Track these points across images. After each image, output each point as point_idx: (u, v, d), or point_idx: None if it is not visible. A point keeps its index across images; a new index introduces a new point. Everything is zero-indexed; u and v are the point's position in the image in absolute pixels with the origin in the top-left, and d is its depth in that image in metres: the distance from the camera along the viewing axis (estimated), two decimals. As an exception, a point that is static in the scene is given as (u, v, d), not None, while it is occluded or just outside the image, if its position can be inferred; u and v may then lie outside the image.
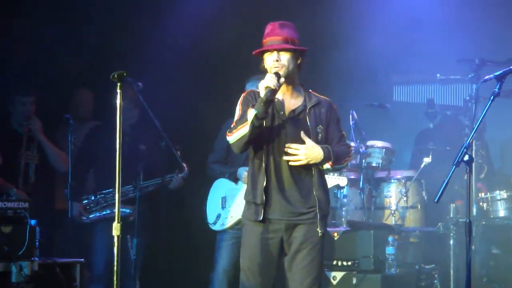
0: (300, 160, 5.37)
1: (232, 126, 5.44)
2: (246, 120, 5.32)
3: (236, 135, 5.39)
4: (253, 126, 5.31)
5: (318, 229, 5.43)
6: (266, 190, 5.41)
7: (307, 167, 5.42)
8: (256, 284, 5.45)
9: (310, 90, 5.57)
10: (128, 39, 8.56)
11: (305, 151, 5.35)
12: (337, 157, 5.44)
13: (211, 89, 8.75)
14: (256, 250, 5.44)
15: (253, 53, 5.51)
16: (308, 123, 5.44)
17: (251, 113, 5.30)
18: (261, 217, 5.41)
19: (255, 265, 5.45)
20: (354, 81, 8.75)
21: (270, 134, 5.42)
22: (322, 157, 5.36)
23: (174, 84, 8.53)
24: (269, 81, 5.29)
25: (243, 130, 5.34)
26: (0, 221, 5.75)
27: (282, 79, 5.36)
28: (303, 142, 5.39)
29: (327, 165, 5.42)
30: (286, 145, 5.39)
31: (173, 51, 8.47)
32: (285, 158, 5.39)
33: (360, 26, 8.91)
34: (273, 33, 5.44)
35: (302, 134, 5.38)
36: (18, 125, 7.48)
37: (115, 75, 5.28)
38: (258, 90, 5.40)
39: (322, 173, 5.52)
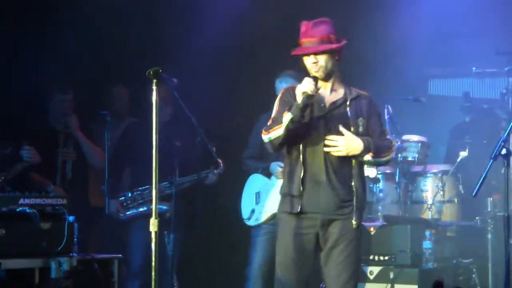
0: (339, 151, 5.35)
1: (268, 124, 5.44)
2: (281, 123, 5.32)
3: (271, 135, 5.39)
4: (287, 129, 5.31)
5: (353, 221, 5.42)
6: (303, 181, 5.40)
7: (347, 160, 5.41)
8: (291, 279, 5.45)
9: (352, 87, 5.56)
10: (162, 36, 8.59)
11: (344, 142, 5.33)
12: (378, 150, 5.41)
13: (244, 85, 8.74)
14: (291, 245, 5.44)
15: (292, 54, 5.48)
16: (349, 115, 5.43)
17: (287, 116, 5.29)
18: (298, 209, 5.40)
19: (290, 260, 5.45)
20: (388, 75, 8.70)
21: (309, 126, 5.41)
22: (362, 148, 5.34)
23: (208, 80, 8.56)
24: (306, 86, 5.28)
25: (278, 131, 5.35)
26: (39, 217, 5.78)
27: (320, 84, 5.35)
28: (342, 135, 5.38)
29: (368, 157, 5.38)
30: (326, 137, 5.38)
31: (206, 48, 8.47)
32: (326, 149, 5.37)
33: (395, 19, 8.86)
34: (308, 34, 5.42)
35: (341, 128, 5.36)
36: (55, 122, 7.53)
37: (151, 72, 5.32)
38: (297, 85, 5.40)
39: (361, 166, 5.50)
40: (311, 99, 5.32)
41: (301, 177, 5.41)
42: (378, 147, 5.42)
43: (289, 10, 8.19)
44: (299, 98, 5.27)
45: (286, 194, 5.50)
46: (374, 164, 5.73)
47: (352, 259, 5.43)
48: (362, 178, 5.54)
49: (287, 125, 5.29)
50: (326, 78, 5.45)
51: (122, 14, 8.36)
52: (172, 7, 8.69)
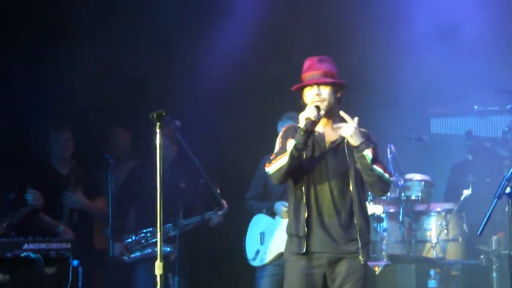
0: (346, 130, 5.37)
1: (271, 157, 5.47)
2: (285, 151, 5.34)
3: (275, 165, 5.40)
4: (292, 156, 5.33)
5: (360, 258, 5.41)
6: (308, 222, 5.41)
7: (348, 196, 5.42)
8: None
9: None
10: (163, 76, 8.62)
11: (355, 125, 5.36)
12: (377, 156, 5.41)
13: (247, 126, 8.77)
14: (299, 285, 5.42)
15: (293, 88, 5.53)
16: (347, 152, 5.45)
17: (291, 143, 5.32)
18: (304, 249, 5.40)
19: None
20: (390, 115, 8.73)
21: (310, 166, 5.43)
22: (361, 140, 5.34)
23: (211, 121, 8.58)
24: (310, 112, 5.33)
25: (282, 160, 5.36)
26: (44, 262, 5.78)
27: (322, 112, 5.39)
28: (343, 175, 5.39)
29: (368, 152, 5.32)
30: (341, 113, 5.41)
31: (209, 90, 8.52)
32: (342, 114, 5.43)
33: (394, 59, 8.90)
34: (313, 68, 5.49)
35: (344, 115, 5.40)
36: (58, 165, 7.53)
37: (154, 115, 5.33)
38: (298, 124, 5.42)
39: (363, 202, 5.49)
40: (314, 126, 5.36)
41: (306, 217, 5.42)
42: (377, 156, 5.43)
43: (294, 52, 8.24)
44: (302, 124, 5.32)
45: (292, 235, 5.50)
46: (370, 171, 5.51)
47: (360, 299, 5.42)
48: (365, 214, 5.53)
49: (291, 151, 5.31)
50: (327, 115, 5.48)
51: (123, 53, 8.40)
52: (176, 48, 8.74)
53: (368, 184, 5.55)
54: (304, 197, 5.44)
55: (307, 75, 5.50)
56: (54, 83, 7.98)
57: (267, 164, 5.48)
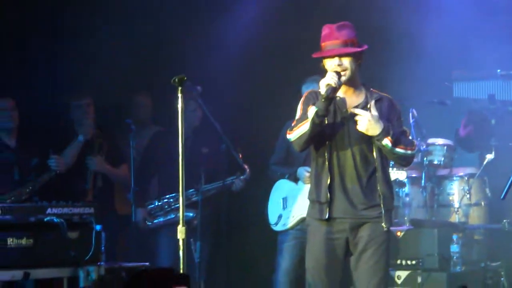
0: (360, 125, 5.34)
1: (293, 124, 5.45)
2: (307, 118, 5.32)
3: (297, 132, 5.39)
4: (313, 123, 5.31)
5: (383, 224, 5.41)
6: (330, 188, 5.40)
7: (371, 162, 5.40)
8: (322, 284, 5.45)
9: (371, 89, 5.56)
10: (186, 42, 8.60)
11: (369, 117, 5.32)
12: (398, 139, 5.36)
13: (270, 91, 8.74)
14: (322, 250, 5.44)
15: (314, 56, 5.50)
16: None
17: (312, 110, 5.30)
18: (327, 215, 5.40)
19: (320, 265, 5.45)
20: (413, 78, 8.67)
21: (332, 132, 5.42)
22: (380, 129, 5.31)
23: (233, 86, 8.55)
24: (330, 79, 5.30)
25: (304, 127, 5.35)
26: (67, 226, 5.81)
27: (343, 78, 5.36)
28: (366, 141, 5.37)
29: (386, 141, 5.32)
30: (351, 110, 5.38)
31: (231, 54, 8.49)
32: (354, 110, 5.38)
33: (418, 22, 8.83)
34: (332, 37, 5.43)
35: (372, 104, 5.35)
36: (81, 131, 7.54)
37: (176, 80, 5.34)
38: (318, 90, 5.40)
39: (386, 168, 5.48)
40: (335, 93, 5.34)
41: (328, 183, 5.41)
42: (398, 136, 5.40)
43: (317, 14, 8.19)
44: (323, 90, 5.29)
45: (314, 201, 5.50)
46: (394, 155, 5.58)
47: (382, 263, 5.43)
48: (388, 181, 5.53)
49: (313, 118, 5.29)
50: (348, 82, 5.45)
51: (146, 18, 8.37)
52: (199, 13, 8.71)
53: (391, 159, 5.56)
54: (327, 163, 5.43)
55: (327, 44, 5.45)
56: (74, 50, 7.98)
57: (288, 131, 5.47)
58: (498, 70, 8.52)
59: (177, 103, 5.34)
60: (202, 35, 8.60)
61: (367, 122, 5.32)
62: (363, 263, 5.41)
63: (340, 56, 5.40)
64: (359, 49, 5.44)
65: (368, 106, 5.45)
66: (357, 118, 5.37)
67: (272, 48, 8.78)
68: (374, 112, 5.37)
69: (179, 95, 5.33)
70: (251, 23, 8.57)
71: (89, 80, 7.97)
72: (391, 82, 8.01)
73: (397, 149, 5.40)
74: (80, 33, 8.05)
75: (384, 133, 5.33)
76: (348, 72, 5.40)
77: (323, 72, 5.47)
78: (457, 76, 8.77)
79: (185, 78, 5.37)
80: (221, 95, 8.18)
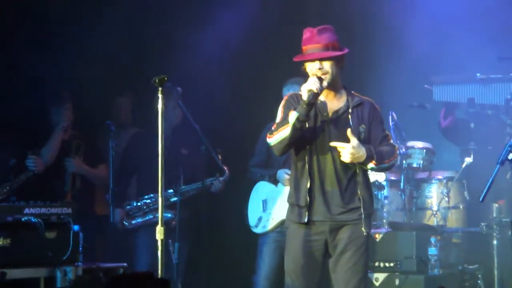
0: (345, 158, 5.34)
1: (273, 128, 5.44)
2: (287, 123, 5.31)
3: (277, 137, 5.38)
4: (294, 128, 5.30)
5: (362, 229, 5.42)
6: (310, 191, 5.40)
7: (351, 167, 5.41)
8: (300, 286, 5.45)
9: (353, 92, 5.56)
10: (166, 44, 8.58)
11: (351, 150, 5.32)
12: (381, 156, 5.40)
13: (251, 93, 8.74)
14: (300, 253, 5.44)
15: (294, 60, 5.49)
16: (351, 123, 5.42)
17: (293, 115, 5.29)
18: (306, 219, 5.40)
19: (299, 267, 5.44)
20: (393, 82, 8.70)
21: (313, 135, 5.41)
22: (365, 157, 5.33)
23: (214, 88, 8.55)
24: (312, 84, 5.30)
25: (284, 132, 5.34)
26: (44, 226, 5.78)
27: (325, 83, 5.36)
28: (346, 141, 5.37)
29: (371, 165, 5.39)
30: (331, 144, 5.37)
31: (212, 56, 8.48)
32: (334, 144, 5.36)
33: (398, 26, 8.86)
34: (313, 40, 5.43)
35: (349, 132, 5.35)
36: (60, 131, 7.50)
37: (157, 80, 5.33)
38: (299, 92, 5.40)
39: (366, 172, 5.50)
40: (316, 98, 5.33)
41: (308, 187, 5.40)
42: (381, 154, 5.42)
43: (291, 19, 8.20)
44: (305, 96, 5.28)
45: (293, 204, 5.49)
46: (378, 170, 5.71)
47: (361, 265, 5.43)
48: (368, 185, 5.54)
49: (294, 123, 5.28)
50: (329, 85, 5.45)
51: (125, 19, 8.34)
52: (179, 14, 8.68)
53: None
54: (307, 166, 5.43)
55: (308, 48, 5.45)
56: (55, 50, 7.94)
57: (268, 135, 5.47)
58: (478, 74, 8.55)
59: (157, 104, 5.33)
60: (182, 36, 8.57)
61: (350, 155, 5.33)
62: (342, 264, 5.42)
63: (321, 59, 5.40)
64: (340, 53, 5.44)
65: (349, 110, 5.42)
66: (339, 149, 5.35)
67: (253, 50, 8.77)
68: (354, 141, 5.35)
69: (160, 95, 5.32)
70: (232, 27, 8.56)
71: (70, 80, 7.92)
72: (371, 85, 8.03)
73: (381, 166, 5.45)
74: (61, 34, 8.00)
75: (368, 159, 5.37)
76: (328, 76, 5.40)
77: (304, 75, 5.47)
78: (436, 80, 8.80)
79: (166, 78, 5.36)
80: (201, 96, 8.16)
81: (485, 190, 5.26)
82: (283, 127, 5.34)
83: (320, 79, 5.34)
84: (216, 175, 7.40)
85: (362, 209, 5.42)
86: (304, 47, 5.47)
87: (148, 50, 8.54)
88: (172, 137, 7.46)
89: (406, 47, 8.77)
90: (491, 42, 8.51)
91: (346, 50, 5.49)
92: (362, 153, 5.34)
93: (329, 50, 5.41)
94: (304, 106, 5.28)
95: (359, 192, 5.44)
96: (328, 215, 5.41)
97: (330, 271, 5.48)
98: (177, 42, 8.54)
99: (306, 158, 5.44)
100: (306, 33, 5.48)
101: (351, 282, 5.39)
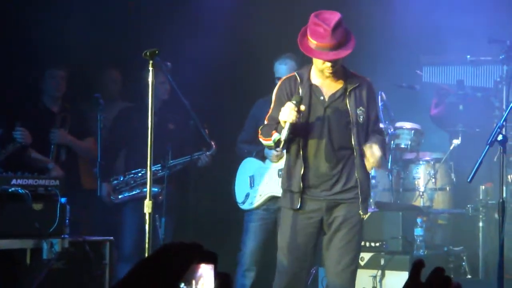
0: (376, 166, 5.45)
1: (264, 124, 5.44)
2: (270, 137, 5.30)
3: (263, 142, 5.44)
4: (275, 145, 5.35)
5: (360, 211, 5.41)
6: (304, 178, 5.36)
7: (348, 150, 5.38)
8: (293, 263, 5.44)
9: (352, 71, 5.50)
10: (158, 18, 8.54)
11: (378, 157, 5.36)
12: (384, 149, 5.52)
13: (242, 69, 8.71)
14: (294, 230, 5.42)
15: (305, 53, 5.35)
16: (348, 107, 5.36)
17: (275, 136, 5.28)
18: (298, 205, 5.37)
19: (292, 243, 5.43)
20: (382, 62, 8.68)
21: (309, 119, 5.35)
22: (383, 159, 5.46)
23: (204, 64, 8.50)
24: (287, 115, 5.18)
25: (267, 143, 5.39)
26: (31, 198, 5.76)
27: (303, 107, 5.26)
28: (344, 129, 5.33)
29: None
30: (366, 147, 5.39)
31: (203, 32, 8.44)
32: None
33: (388, 6, 8.84)
34: (326, 39, 5.19)
35: (374, 147, 5.35)
36: (49, 103, 7.46)
37: (147, 53, 5.30)
38: (295, 75, 5.35)
39: (362, 156, 5.46)
40: (295, 127, 5.24)
41: (301, 173, 5.36)
42: (383, 146, 5.47)
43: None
44: (281, 130, 5.22)
45: (286, 190, 5.47)
46: None
47: (354, 244, 5.44)
48: (365, 168, 5.50)
49: (275, 142, 5.28)
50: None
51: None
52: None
53: None
54: (301, 151, 5.36)
55: (319, 46, 5.22)
56: (47, 21, 7.88)
57: (259, 131, 5.48)
58: (468, 56, 8.56)
59: (147, 77, 5.30)
60: (175, 10, 8.53)
61: (377, 163, 5.38)
62: (335, 242, 5.42)
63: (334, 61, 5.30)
64: (350, 51, 5.28)
65: (347, 93, 5.37)
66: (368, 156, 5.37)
67: (247, 24, 8.73)
68: (377, 150, 5.34)
69: (150, 68, 5.29)
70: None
71: (59, 52, 7.88)
72: (361, 65, 8.01)
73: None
74: (50, 4, 7.94)
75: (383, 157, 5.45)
76: (338, 68, 5.34)
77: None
78: (426, 60, 8.80)
79: (157, 51, 5.33)
80: (190, 71, 8.12)
81: (473, 171, 5.27)
82: (266, 138, 5.35)
83: (298, 103, 5.19)
84: (203, 150, 7.38)
85: (359, 190, 5.40)
86: (315, 41, 5.24)
87: (137, 25, 8.49)
88: (160, 112, 7.44)
89: (395, 27, 8.75)
90: (481, 24, 8.51)
91: (353, 41, 5.33)
92: (382, 157, 5.42)
93: (342, 47, 5.24)
94: (283, 139, 5.21)
95: (356, 175, 5.42)
96: (323, 194, 5.39)
97: (323, 249, 5.48)
98: (168, 17, 8.50)
99: (300, 144, 5.38)
100: (319, 29, 5.23)
101: (344, 260, 5.40)
